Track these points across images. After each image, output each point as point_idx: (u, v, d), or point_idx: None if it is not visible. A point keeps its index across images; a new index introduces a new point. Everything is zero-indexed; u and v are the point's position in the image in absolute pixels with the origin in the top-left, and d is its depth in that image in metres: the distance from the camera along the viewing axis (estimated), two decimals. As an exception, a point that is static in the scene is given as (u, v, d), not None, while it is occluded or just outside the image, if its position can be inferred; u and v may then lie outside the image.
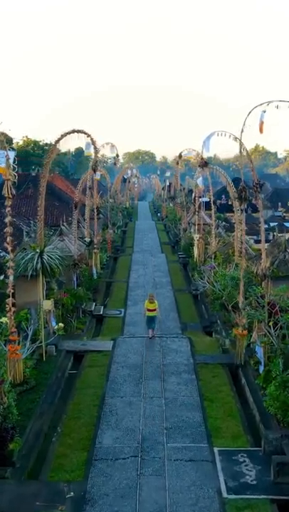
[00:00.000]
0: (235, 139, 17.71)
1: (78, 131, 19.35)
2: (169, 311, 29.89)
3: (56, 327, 19.78)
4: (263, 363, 17.70)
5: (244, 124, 14.88)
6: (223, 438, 14.71)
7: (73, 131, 19.33)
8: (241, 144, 15.97)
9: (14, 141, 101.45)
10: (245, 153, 17.37)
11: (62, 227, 29.71)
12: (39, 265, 19.01)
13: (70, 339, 22.47)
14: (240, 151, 16.46)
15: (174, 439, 14.64)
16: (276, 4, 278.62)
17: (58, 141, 19.56)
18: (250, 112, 14.66)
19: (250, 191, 16.65)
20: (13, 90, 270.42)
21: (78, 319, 26.79)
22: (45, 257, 19.22)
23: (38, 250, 19.45)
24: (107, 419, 15.73)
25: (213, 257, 32.83)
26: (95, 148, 20.60)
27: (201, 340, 23.38)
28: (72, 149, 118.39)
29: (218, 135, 17.81)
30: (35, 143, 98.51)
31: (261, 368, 17.73)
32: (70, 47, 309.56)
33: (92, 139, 19.95)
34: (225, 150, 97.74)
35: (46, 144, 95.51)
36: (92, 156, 24.13)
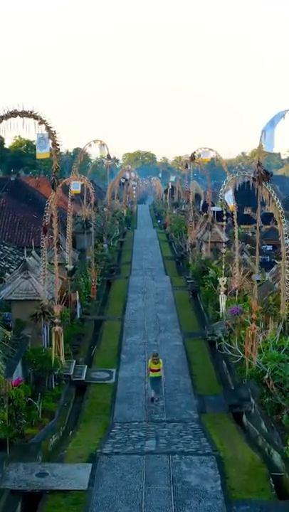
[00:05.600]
0: None
1: (23, 114, 10.53)
2: (179, 374, 21.85)
3: None
4: None
5: None
6: None
7: (15, 114, 10.56)
8: None
9: (6, 140, 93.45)
10: None
11: (28, 259, 20.74)
12: None
13: (21, 457, 13.66)
14: None
15: None
16: (276, 4, 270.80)
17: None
18: None
19: None
20: (12, 90, 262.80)
21: (50, 391, 18.67)
22: None
23: None
24: None
25: (236, 293, 24.37)
26: (56, 145, 11.22)
27: (234, 453, 14.36)
28: (71, 149, 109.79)
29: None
30: (28, 143, 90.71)
31: None
32: (70, 47, 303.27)
33: (49, 129, 10.96)
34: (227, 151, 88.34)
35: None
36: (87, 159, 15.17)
